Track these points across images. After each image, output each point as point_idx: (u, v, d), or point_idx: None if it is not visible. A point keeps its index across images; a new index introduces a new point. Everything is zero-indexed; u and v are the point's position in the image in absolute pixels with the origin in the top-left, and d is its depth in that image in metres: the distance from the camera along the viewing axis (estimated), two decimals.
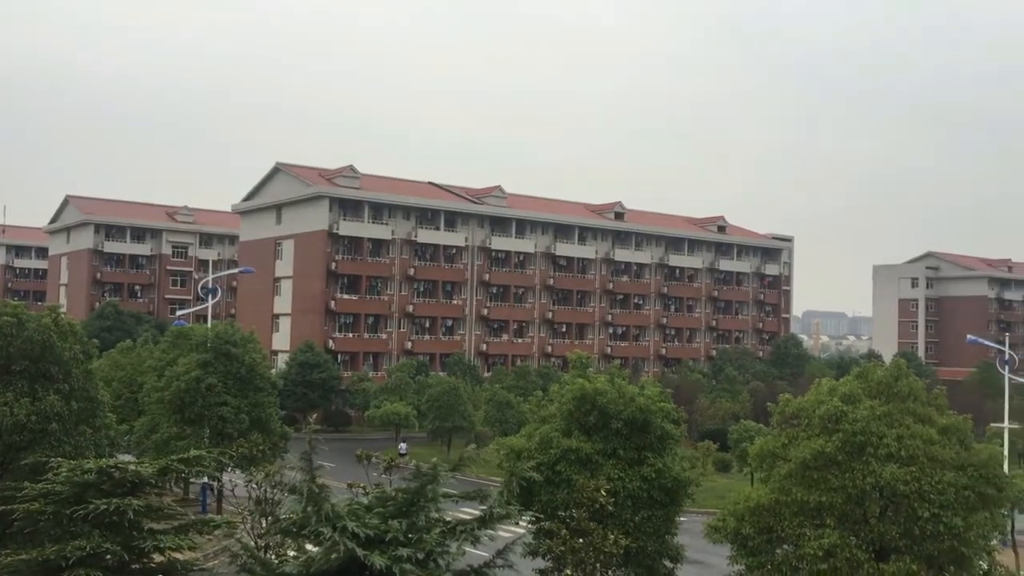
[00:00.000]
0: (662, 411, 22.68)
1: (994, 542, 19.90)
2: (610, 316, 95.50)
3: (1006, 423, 49.50)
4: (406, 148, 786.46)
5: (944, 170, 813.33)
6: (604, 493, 19.78)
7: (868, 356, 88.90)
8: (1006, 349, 57.42)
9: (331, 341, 76.82)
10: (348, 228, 78.47)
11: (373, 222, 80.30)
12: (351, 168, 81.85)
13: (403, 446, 54.38)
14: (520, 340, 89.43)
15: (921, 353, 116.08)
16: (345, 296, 78.62)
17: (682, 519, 25.03)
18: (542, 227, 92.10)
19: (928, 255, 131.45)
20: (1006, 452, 42.39)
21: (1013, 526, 34.57)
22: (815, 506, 18.64)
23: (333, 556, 9.94)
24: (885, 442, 18.27)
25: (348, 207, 79.38)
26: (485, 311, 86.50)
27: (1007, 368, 54.42)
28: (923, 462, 18.12)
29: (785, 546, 19.24)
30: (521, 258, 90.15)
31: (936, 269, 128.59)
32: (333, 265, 77.74)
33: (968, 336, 64.75)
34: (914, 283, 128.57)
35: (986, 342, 69.08)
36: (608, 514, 20.01)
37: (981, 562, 18.74)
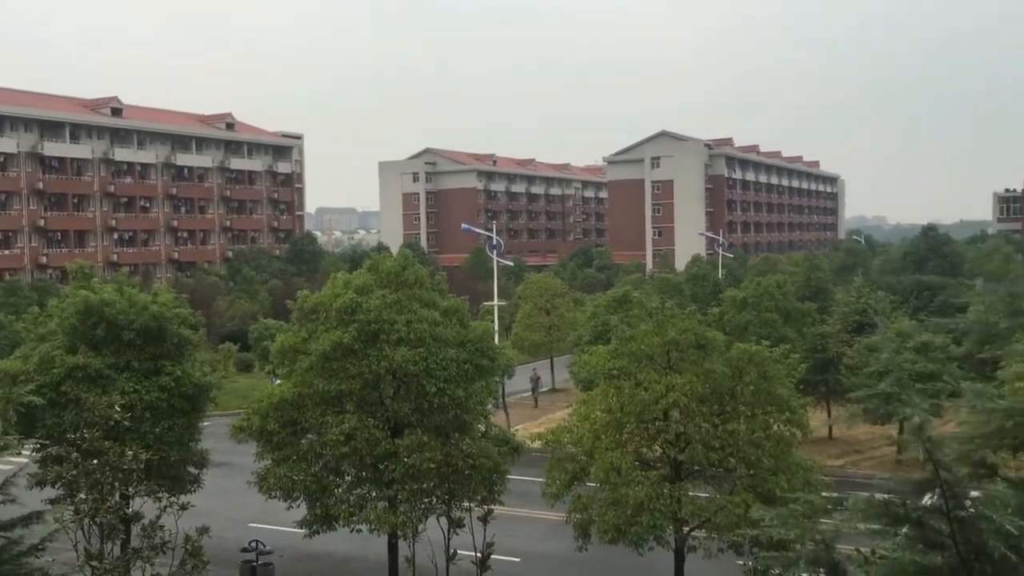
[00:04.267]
0: (178, 317, 21.95)
1: (489, 406, 22.57)
2: (114, 221, 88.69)
3: (495, 301, 55.91)
4: None
5: (437, 66, 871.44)
6: (119, 409, 18.67)
7: (378, 249, 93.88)
8: (494, 235, 64.42)
9: None
10: None
11: None
12: None
13: None
14: (6, 252, 79.55)
15: (424, 243, 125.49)
16: None
17: (206, 424, 24.66)
18: (24, 124, 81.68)
19: (426, 151, 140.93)
20: (496, 327, 48.08)
21: (503, 391, 39.57)
22: (336, 394, 19.49)
23: None
24: (396, 328, 19.56)
25: None
26: None
27: (495, 252, 61.19)
28: (429, 343, 19.76)
29: (309, 435, 19.94)
30: (2, 159, 79.53)
31: (434, 164, 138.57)
32: None
33: (462, 225, 71.48)
34: (415, 178, 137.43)
35: (477, 230, 76.68)
36: (125, 429, 19.00)
37: (480, 425, 21.16)
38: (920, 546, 4.64)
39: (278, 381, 46.17)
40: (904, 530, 4.70)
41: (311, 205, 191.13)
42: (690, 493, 18.37)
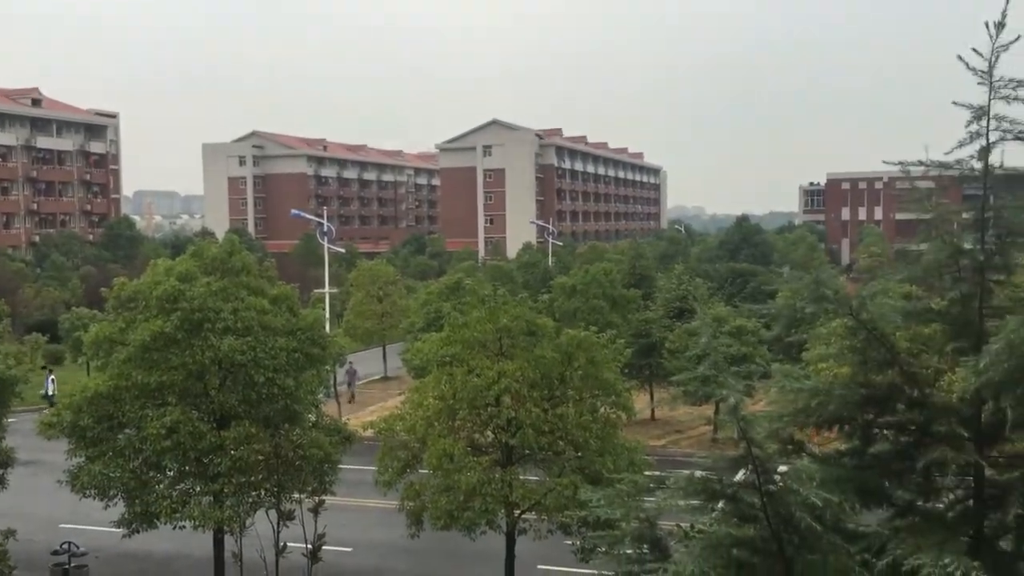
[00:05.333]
0: None
1: (320, 396, 22.19)
2: None
3: (327, 288, 54.95)
4: None
5: (269, 52, 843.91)
6: None
7: (202, 234, 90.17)
8: (324, 222, 63.21)
9: None
10: None
11: None
12: None
13: None
14: None
15: (251, 229, 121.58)
16: None
17: (11, 420, 23.05)
18: None
19: (253, 134, 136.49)
20: (327, 315, 47.26)
21: (335, 380, 38.96)
22: (156, 386, 18.64)
23: None
24: (222, 316, 18.88)
25: None
26: None
27: (326, 239, 60.08)
28: (258, 331, 19.19)
29: (127, 430, 18.99)
30: None
31: (261, 148, 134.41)
32: None
33: (292, 211, 69.72)
34: (242, 161, 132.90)
35: (307, 215, 74.98)
36: None
37: (310, 415, 20.78)
38: (734, 519, 4.91)
39: (52, 378, 43.71)
40: (720, 505, 4.95)
41: (128, 188, 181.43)
42: (521, 477, 18.70)
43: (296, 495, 18.85)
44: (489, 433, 19.35)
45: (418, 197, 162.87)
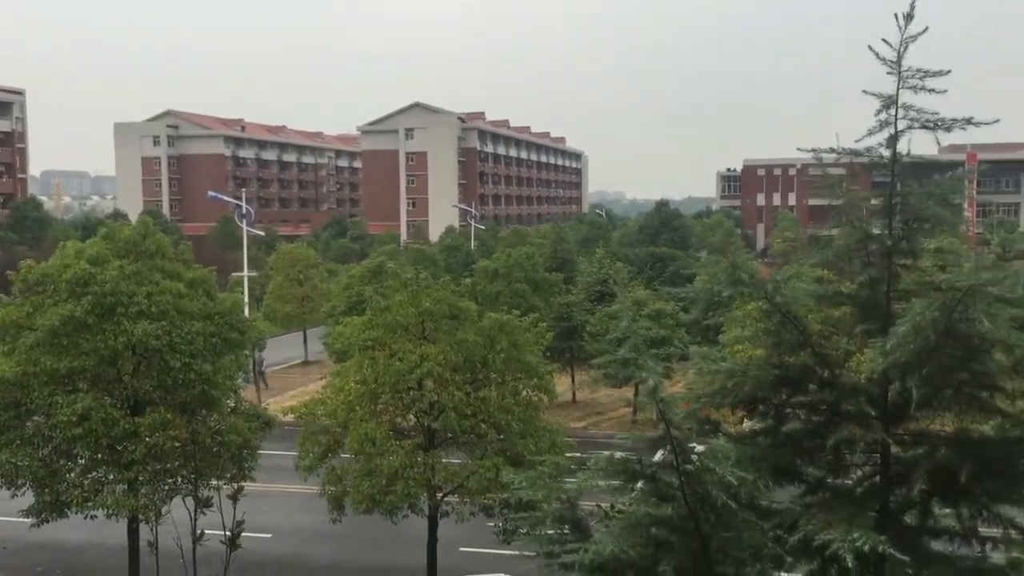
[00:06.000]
0: None
1: (239, 381, 21.80)
2: None
3: (245, 272, 53.94)
4: None
5: (185, 31, 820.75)
6: None
7: (114, 216, 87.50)
8: (243, 204, 61.96)
9: None
10: None
11: None
12: None
13: None
14: None
15: (166, 210, 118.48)
16: None
17: None
18: None
19: (167, 113, 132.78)
20: (246, 298, 46.40)
21: (254, 365, 38.33)
22: (67, 372, 18.07)
23: None
24: (136, 300, 18.38)
25: None
26: None
27: (245, 221, 58.93)
28: (173, 315, 18.74)
29: (36, 417, 18.39)
30: None
31: (176, 128, 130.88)
32: None
33: (209, 192, 68.16)
34: (156, 141, 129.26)
35: (225, 198, 73.43)
36: None
37: (229, 400, 20.41)
38: (653, 499, 5.01)
39: None
40: (639, 485, 5.04)
41: (35, 167, 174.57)
42: (443, 460, 18.72)
43: (214, 482, 18.52)
44: (411, 417, 19.30)
45: (339, 180, 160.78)
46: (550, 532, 5.32)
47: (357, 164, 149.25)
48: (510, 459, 17.70)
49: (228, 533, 18.07)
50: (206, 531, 18.18)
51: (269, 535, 23.50)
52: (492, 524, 18.16)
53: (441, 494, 18.81)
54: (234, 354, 20.39)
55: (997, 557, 4.71)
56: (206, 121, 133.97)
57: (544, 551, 5.26)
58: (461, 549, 21.95)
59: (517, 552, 5.43)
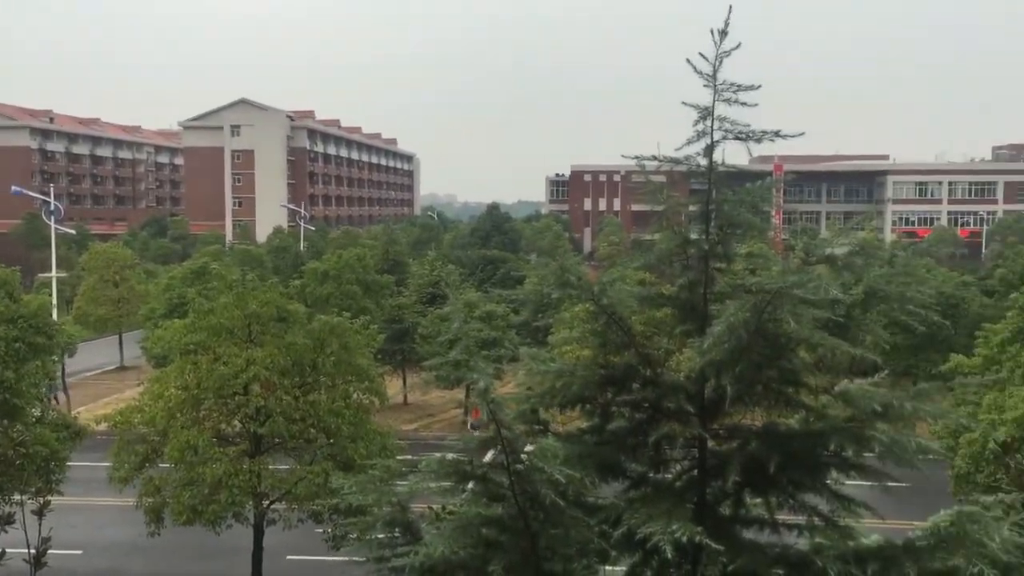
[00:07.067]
0: None
1: (44, 388, 20.45)
2: None
3: (54, 272, 50.65)
4: None
5: None
6: None
7: None
8: (51, 200, 58.13)
9: None
10: None
11: None
12: None
13: None
14: None
15: None
16: None
17: None
18: None
19: None
20: (55, 301, 43.55)
21: (64, 371, 36.02)
22: None
23: None
24: None
25: None
26: None
27: (53, 218, 55.31)
28: None
29: None
30: None
31: None
32: None
33: (13, 187, 63.52)
34: None
35: (30, 193, 68.71)
36: None
37: (34, 410, 19.12)
38: (484, 499, 5.05)
39: None
40: (470, 486, 5.07)
41: None
42: (270, 466, 18.27)
43: (17, 496, 17.32)
44: (237, 423, 18.73)
45: (159, 177, 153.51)
46: (380, 536, 5.27)
47: (179, 161, 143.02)
48: (340, 463, 17.46)
49: (33, 551, 16.93)
50: (7, 550, 16.97)
51: (80, 551, 22.18)
52: (321, 530, 17.84)
53: (268, 501, 18.34)
54: (40, 360, 19.15)
55: (802, 543, 5.04)
56: (10, 111, 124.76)
57: (374, 556, 5.21)
58: (288, 557, 21.46)
59: (346, 558, 5.35)
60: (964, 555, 4.35)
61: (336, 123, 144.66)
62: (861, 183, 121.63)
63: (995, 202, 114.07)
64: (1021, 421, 17.93)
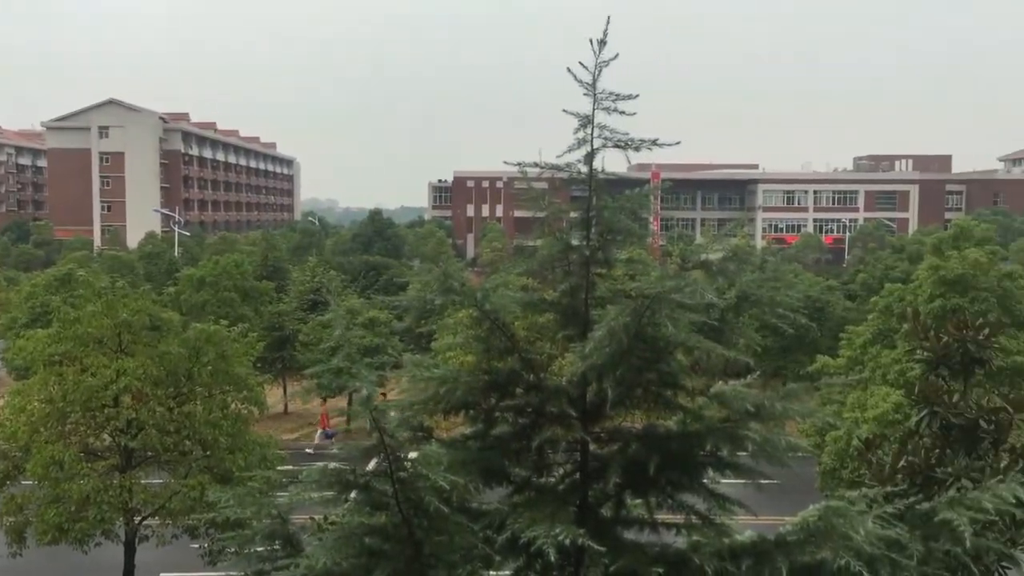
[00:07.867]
0: None
1: None
2: None
3: None
4: None
5: None
6: None
7: None
8: None
9: None
10: None
11: None
12: None
13: None
14: None
15: None
16: None
17: None
18: None
19: None
20: None
21: None
22: None
23: None
24: None
25: None
26: None
27: None
28: None
29: None
30: None
31: None
32: None
33: None
34: None
35: None
36: None
37: None
38: (367, 508, 4.99)
39: None
40: (353, 495, 5.00)
41: None
42: (143, 481, 17.60)
43: None
44: (106, 436, 17.98)
45: (21, 179, 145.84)
46: (260, 550, 5.14)
47: (42, 163, 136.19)
48: (217, 476, 16.96)
49: None
50: None
51: None
52: (197, 546, 17.28)
53: (140, 517, 17.66)
54: None
55: (680, 541, 5.17)
56: None
57: (253, 570, 5.08)
58: (162, 574, 20.70)
59: (224, 573, 5.21)
60: (832, 548, 4.54)
61: (212, 126, 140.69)
62: (734, 191, 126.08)
63: (857, 210, 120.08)
64: (882, 419, 18.94)
